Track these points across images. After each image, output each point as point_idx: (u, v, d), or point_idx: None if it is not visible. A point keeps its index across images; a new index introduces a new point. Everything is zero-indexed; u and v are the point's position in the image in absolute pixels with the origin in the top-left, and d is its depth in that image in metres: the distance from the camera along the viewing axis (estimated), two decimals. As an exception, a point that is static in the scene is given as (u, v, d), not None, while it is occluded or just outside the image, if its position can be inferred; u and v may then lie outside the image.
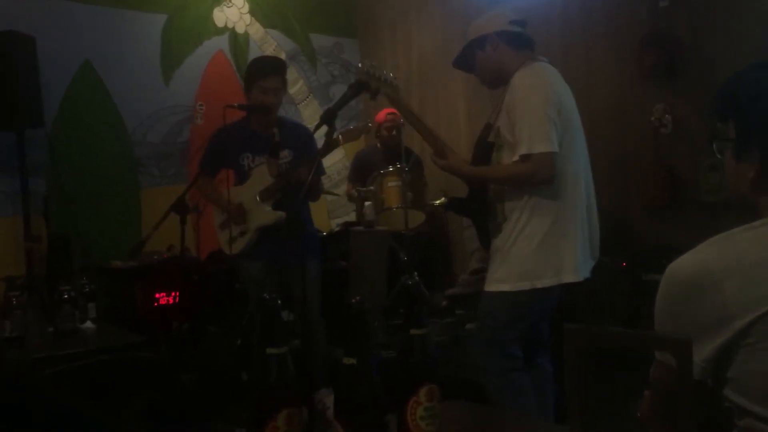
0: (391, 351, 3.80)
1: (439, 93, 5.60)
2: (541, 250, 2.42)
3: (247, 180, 3.49)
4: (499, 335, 2.54)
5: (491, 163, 2.60)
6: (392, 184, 4.32)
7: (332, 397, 1.18)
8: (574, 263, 2.43)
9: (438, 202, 4.89)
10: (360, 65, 2.59)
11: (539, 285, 2.42)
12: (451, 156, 2.65)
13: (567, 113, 2.46)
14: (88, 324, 3.34)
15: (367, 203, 4.52)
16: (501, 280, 2.48)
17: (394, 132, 4.78)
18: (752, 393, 1.16)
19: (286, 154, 3.44)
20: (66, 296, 3.17)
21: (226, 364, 3.90)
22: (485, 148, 2.65)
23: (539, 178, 2.39)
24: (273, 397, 1.10)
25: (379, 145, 5.00)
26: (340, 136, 3.54)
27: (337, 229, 5.26)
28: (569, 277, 2.43)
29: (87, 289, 3.43)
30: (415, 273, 4.45)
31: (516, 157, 2.40)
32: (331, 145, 3.50)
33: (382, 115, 4.91)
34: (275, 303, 1.11)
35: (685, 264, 1.23)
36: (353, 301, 1.17)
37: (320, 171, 3.56)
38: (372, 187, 4.44)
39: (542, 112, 2.38)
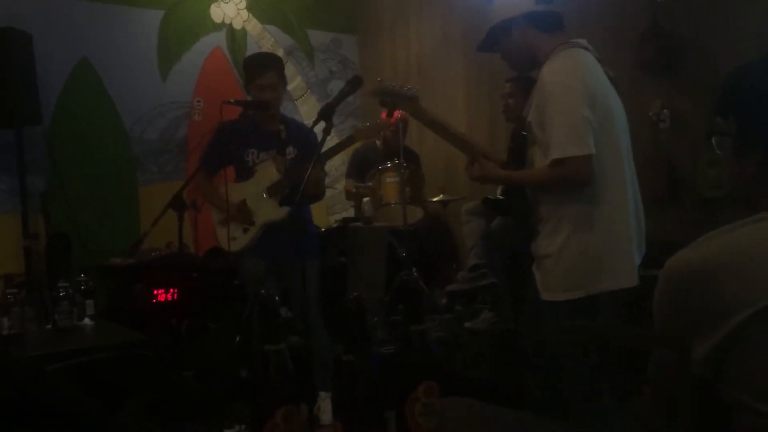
0: (390, 347, 3.79)
1: (438, 89, 5.59)
2: (595, 255, 2.26)
3: (251, 176, 3.48)
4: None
5: (527, 159, 2.46)
6: (391, 179, 4.32)
7: (329, 401, 1.18)
8: (631, 265, 2.30)
9: (436, 198, 4.91)
10: (375, 88, 2.48)
11: (594, 291, 2.26)
12: (484, 162, 2.48)
13: (602, 104, 2.29)
14: (87, 321, 3.34)
15: (365, 199, 4.51)
16: (553, 288, 2.33)
17: (398, 133, 4.65)
18: (752, 389, 1.15)
19: (290, 151, 3.43)
20: (64, 293, 3.17)
21: (225, 361, 3.90)
22: (521, 142, 2.52)
23: (575, 182, 2.26)
24: (271, 395, 1.10)
25: (379, 143, 4.94)
26: (355, 134, 3.54)
27: (335, 225, 5.25)
28: (627, 282, 2.29)
29: (85, 287, 3.42)
30: (414, 269, 4.44)
31: (548, 161, 2.26)
32: (346, 142, 3.50)
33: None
34: (273, 299, 1.11)
35: (683, 259, 1.23)
36: (351, 297, 1.17)
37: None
38: (370, 183, 4.44)
39: (575, 112, 2.21)
